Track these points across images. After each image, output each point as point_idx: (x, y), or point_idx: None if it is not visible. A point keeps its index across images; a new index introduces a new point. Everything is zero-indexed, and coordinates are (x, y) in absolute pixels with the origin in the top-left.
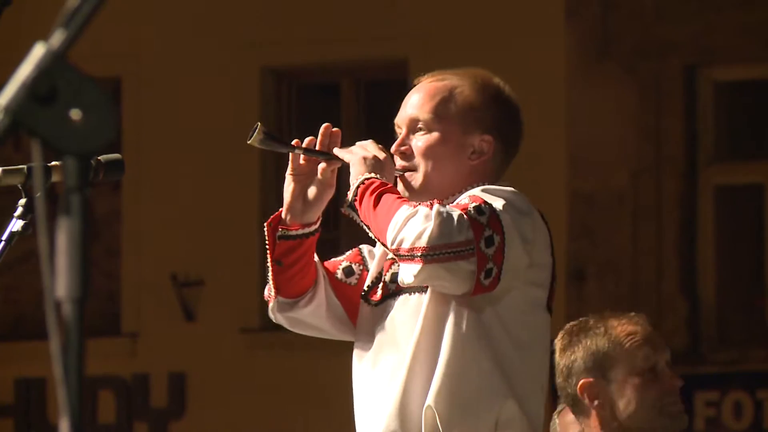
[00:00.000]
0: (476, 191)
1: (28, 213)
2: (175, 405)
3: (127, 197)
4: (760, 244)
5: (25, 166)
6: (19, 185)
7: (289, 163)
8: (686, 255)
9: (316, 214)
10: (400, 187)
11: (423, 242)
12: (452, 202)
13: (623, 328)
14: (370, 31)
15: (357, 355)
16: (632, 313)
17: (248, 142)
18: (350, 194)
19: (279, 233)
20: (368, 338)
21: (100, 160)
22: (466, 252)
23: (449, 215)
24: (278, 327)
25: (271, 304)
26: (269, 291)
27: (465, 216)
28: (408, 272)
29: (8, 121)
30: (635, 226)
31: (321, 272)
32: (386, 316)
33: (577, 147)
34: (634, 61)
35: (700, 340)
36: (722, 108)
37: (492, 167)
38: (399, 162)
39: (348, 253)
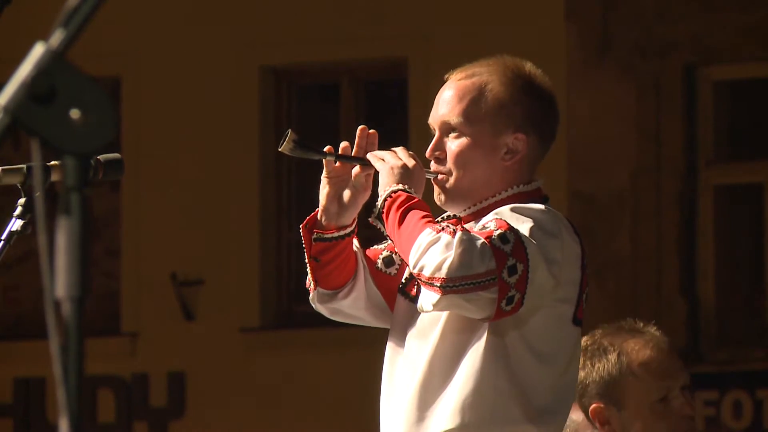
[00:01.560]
0: (504, 211)
1: (27, 212)
2: (175, 404)
3: (127, 197)
4: (760, 243)
5: (24, 166)
6: (18, 185)
7: (324, 166)
8: (686, 255)
9: (351, 216)
10: (435, 190)
11: (443, 273)
12: (487, 205)
13: (637, 354)
14: (370, 31)
15: (389, 348)
16: (648, 331)
17: (279, 150)
18: (377, 206)
19: (314, 236)
20: (400, 335)
21: (99, 159)
22: (487, 282)
23: (471, 245)
24: (278, 327)
25: (311, 295)
26: (309, 282)
27: (488, 245)
28: (427, 300)
29: (8, 120)
30: (635, 226)
31: (361, 263)
32: (415, 319)
33: (577, 147)
34: (633, 61)
35: (700, 339)
36: (722, 108)
37: (527, 164)
38: (433, 166)
39: (389, 241)
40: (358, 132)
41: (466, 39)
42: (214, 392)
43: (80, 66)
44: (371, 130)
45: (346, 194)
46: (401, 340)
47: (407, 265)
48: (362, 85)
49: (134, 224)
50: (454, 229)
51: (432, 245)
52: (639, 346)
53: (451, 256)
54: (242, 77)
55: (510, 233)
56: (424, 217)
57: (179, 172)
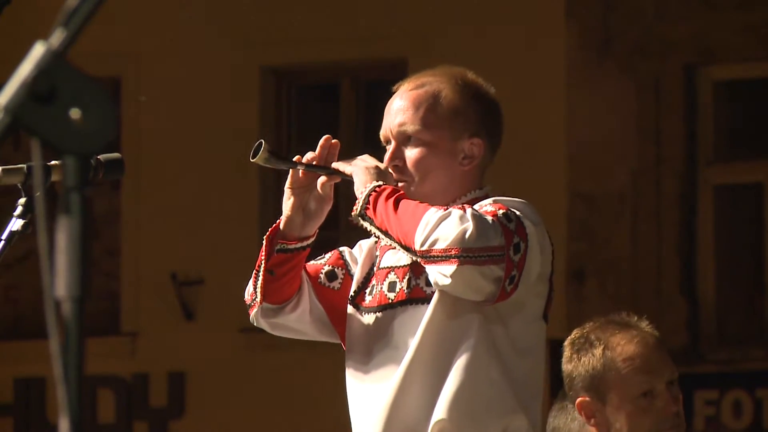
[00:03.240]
0: (486, 202)
1: (27, 212)
2: (175, 404)
3: (127, 196)
4: (760, 243)
5: (24, 166)
6: (18, 184)
7: (288, 176)
8: (686, 254)
9: (314, 227)
10: None
11: (461, 243)
12: (488, 201)
13: (622, 349)
14: (370, 31)
15: (351, 363)
16: (637, 326)
17: (252, 161)
18: (360, 202)
19: (278, 247)
20: (362, 347)
21: (99, 159)
22: (498, 257)
23: (484, 218)
24: None
25: (254, 310)
26: (253, 297)
27: (498, 221)
28: (441, 273)
29: (8, 120)
30: (635, 225)
31: (305, 277)
32: (383, 327)
33: (577, 147)
34: (633, 61)
35: (700, 339)
36: (722, 107)
37: (481, 168)
38: (393, 175)
39: (327, 256)
40: (321, 142)
41: (466, 39)
42: (214, 392)
43: (80, 66)
44: (334, 140)
45: (311, 205)
46: (365, 351)
47: (406, 249)
48: (362, 86)
49: (134, 224)
50: (463, 206)
51: (444, 219)
52: (624, 341)
53: (469, 227)
54: (242, 77)
55: (511, 213)
56: (420, 202)
57: (179, 172)
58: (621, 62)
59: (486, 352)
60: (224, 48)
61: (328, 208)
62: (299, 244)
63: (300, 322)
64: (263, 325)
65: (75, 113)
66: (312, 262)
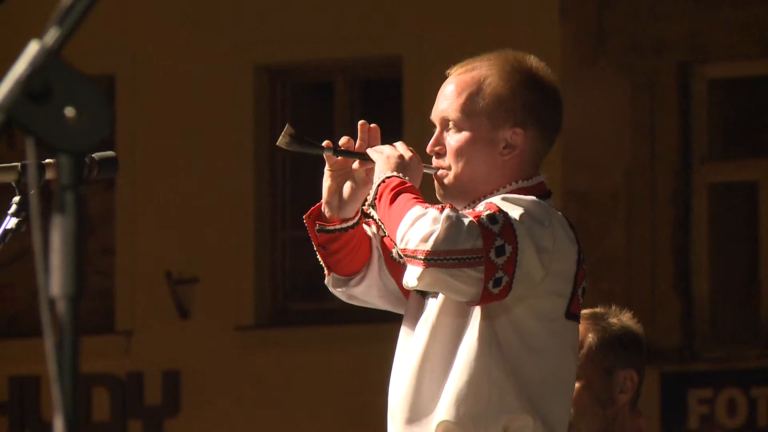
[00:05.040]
0: (495, 199)
1: (22, 210)
2: (170, 403)
3: (122, 195)
4: (754, 241)
5: (19, 164)
6: (13, 183)
7: (326, 160)
8: (680, 253)
9: (353, 210)
10: (436, 186)
11: (427, 246)
12: (484, 202)
13: None
14: (365, 29)
15: (400, 337)
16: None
17: (277, 144)
18: (371, 193)
19: (317, 227)
20: (410, 325)
21: (94, 157)
22: (473, 260)
23: (458, 221)
24: (272, 325)
25: (326, 279)
26: (324, 267)
27: (476, 223)
28: (412, 275)
29: (2, 118)
30: (629, 223)
31: (375, 251)
32: (420, 312)
33: (572, 145)
34: (628, 59)
35: (694, 337)
36: (716, 105)
37: (528, 158)
38: (434, 161)
39: None
40: (359, 127)
41: (460, 37)
42: (208, 390)
43: (75, 64)
44: (372, 125)
45: (346, 188)
46: (411, 330)
47: (395, 244)
48: (357, 84)
49: (129, 222)
50: (442, 206)
51: (419, 219)
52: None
53: (437, 229)
54: (237, 75)
55: (499, 215)
56: (415, 197)
57: (174, 170)
58: (615, 60)
59: (488, 350)
60: (218, 46)
61: (364, 192)
62: (339, 226)
63: (367, 295)
64: (337, 294)
65: (69, 111)
66: None
